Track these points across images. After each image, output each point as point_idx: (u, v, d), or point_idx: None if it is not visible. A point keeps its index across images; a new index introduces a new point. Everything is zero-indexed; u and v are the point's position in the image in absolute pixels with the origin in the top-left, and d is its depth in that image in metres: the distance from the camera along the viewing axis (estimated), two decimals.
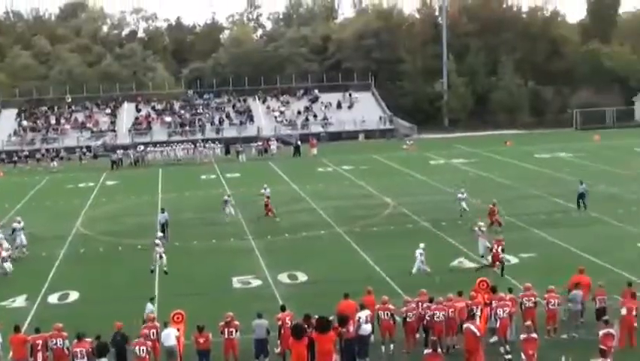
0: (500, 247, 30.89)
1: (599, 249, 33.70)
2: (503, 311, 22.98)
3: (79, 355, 21.33)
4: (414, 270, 31.15)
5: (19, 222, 38.87)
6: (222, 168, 69.24)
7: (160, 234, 37.42)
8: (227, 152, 79.42)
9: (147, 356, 21.42)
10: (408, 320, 23.29)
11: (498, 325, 22.96)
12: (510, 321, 23.17)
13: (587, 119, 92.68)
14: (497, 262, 30.79)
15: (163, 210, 41.02)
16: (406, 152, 76.29)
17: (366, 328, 22.74)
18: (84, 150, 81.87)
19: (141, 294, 30.27)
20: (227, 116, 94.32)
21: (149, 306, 25.27)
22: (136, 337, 22.23)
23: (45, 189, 62.46)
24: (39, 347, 22.01)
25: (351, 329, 22.30)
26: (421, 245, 31.92)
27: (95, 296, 30.94)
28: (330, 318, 22.03)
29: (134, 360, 21.49)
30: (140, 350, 21.33)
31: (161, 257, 33.28)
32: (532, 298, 23.85)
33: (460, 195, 43.23)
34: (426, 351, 20.29)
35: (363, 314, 22.84)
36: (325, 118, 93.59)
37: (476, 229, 34.27)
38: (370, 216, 44.01)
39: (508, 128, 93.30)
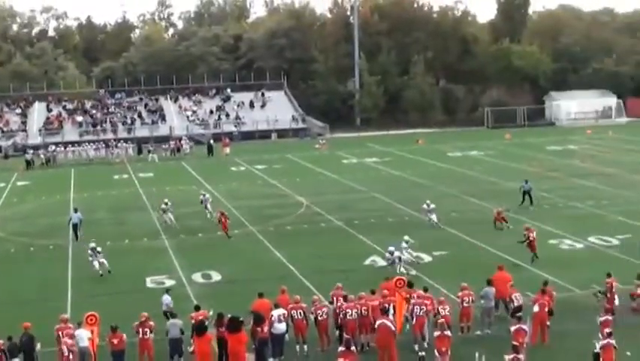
0: (533, 234, 32.34)
1: (513, 247, 33.90)
2: (420, 309, 23.16)
3: None
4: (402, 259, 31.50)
5: None
6: (135, 168, 68.48)
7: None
8: (140, 151, 78.66)
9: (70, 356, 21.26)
10: (319, 318, 23.52)
11: (414, 322, 23.15)
12: (427, 319, 23.36)
13: (499, 117, 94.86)
14: (532, 250, 32.15)
15: (76, 210, 40.52)
16: (318, 151, 76.80)
17: (280, 327, 22.94)
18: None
19: (54, 295, 29.93)
20: (139, 115, 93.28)
21: (167, 297, 25.49)
22: (48, 338, 22.09)
23: None
24: None
25: (266, 328, 22.49)
26: (405, 237, 32.76)
27: (4, 298, 30.34)
28: (241, 318, 22.17)
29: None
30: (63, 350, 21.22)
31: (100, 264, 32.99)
32: (470, 298, 24.25)
33: (425, 206, 40.10)
34: (340, 349, 20.56)
35: (277, 313, 23.03)
36: (238, 117, 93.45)
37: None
38: (284, 215, 44.28)
39: (421, 127, 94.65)
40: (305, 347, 23.37)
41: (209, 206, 43.84)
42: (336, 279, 26.74)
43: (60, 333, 22.13)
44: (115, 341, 21.99)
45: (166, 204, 42.61)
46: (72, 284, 31.91)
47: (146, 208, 48.04)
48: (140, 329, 22.30)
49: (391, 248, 31.28)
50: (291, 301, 23.94)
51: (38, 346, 22.00)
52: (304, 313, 23.47)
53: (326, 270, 31.88)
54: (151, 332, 22.41)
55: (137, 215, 46.16)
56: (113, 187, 57.99)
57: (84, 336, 22.05)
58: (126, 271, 33.48)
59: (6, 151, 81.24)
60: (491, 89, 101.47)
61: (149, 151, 75.89)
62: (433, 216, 39.28)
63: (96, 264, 32.68)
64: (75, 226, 39.32)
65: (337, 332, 23.57)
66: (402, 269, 30.67)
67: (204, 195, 44.49)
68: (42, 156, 75.05)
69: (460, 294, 24.46)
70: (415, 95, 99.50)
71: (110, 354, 22.11)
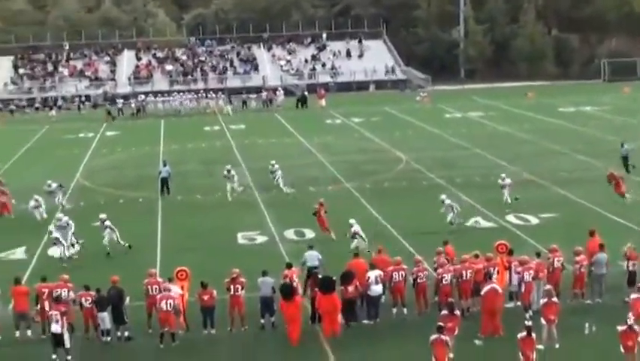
0: None
1: (625, 208, 33.09)
2: (529, 275, 22.73)
3: (84, 302, 22.16)
4: (449, 219, 31.78)
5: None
6: (226, 120, 69.33)
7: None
8: (231, 102, 79.46)
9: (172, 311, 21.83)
10: (419, 281, 23.41)
11: (523, 289, 22.74)
12: (534, 286, 22.91)
13: (617, 70, 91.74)
14: None
15: (165, 163, 41.25)
16: (419, 104, 76.16)
17: (377, 289, 22.95)
18: (83, 99, 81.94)
19: (142, 249, 30.66)
20: (231, 64, 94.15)
21: (311, 253, 25.33)
22: (136, 292, 22.75)
23: (44, 139, 62.83)
24: (45, 296, 22.49)
25: (350, 288, 22.50)
26: (443, 196, 32.65)
27: (96, 249, 31.19)
28: (334, 278, 22.30)
29: (159, 315, 21.88)
30: (166, 304, 21.78)
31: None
32: (560, 260, 23.62)
33: (500, 181, 36.48)
34: (442, 312, 20.46)
35: (373, 274, 23.01)
36: (334, 67, 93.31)
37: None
38: (381, 172, 44.17)
39: (530, 79, 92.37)
40: (404, 310, 23.36)
41: (280, 179, 40.62)
42: (436, 241, 26.53)
43: (149, 288, 22.74)
44: (205, 298, 22.41)
45: (228, 171, 39.65)
46: (162, 238, 32.66)
47: (238, 161, 48.64)
48: (232, 286, 22.63)
49: None
50: (391, 262, 23.87)
51: (127, 300, 22.64)
52: (405, 275, 23.39)
53: (425, 230, 31.71)
54: (242, 288, 22.73)
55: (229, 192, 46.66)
56: (204, 139, 58.91)
57: (174, 291, 22.52)
58: (217, 226, 34.04)
59: (95, 100, 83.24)
60: (610, 39, 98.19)
61: (243, 102, 76.89)
62: (505, 192, 35.47)
63: (106, 238, 30.95)
64: (164, 180, 40.09)
65: (436, 297, 23.44)
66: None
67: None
68: (132, 105, 76.72)
69: (577, 259, 23.61)
70: (524, 45, 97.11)
71: (200, 310, 22.57)
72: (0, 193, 37.11)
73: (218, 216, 35.83)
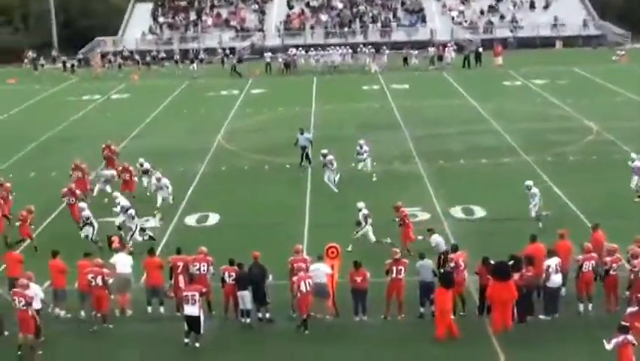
0: None
1: None
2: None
3: (227, 278, 22.78)
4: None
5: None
6: (387, 78, 69.28)
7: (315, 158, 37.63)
8: (376, 57, 78.54)
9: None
10: (611, 273, 22.68)
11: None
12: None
13: None
14: None
15: (302, 131, 41.19)
16: (615, 65, 73.82)
17: (556, 279, 22.47)
18: (227, 51, 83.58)
19: (289, 222, 31.10)
20: (395, 15, 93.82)
21: (436, 237, 25.62)
22: (280, 269, 23.18)
23: (183, 96, 64.72)
24: (179, 270, 23.22)
25: (516, 277, 22.01)
26: (528, 182, 30.73)
27: (237, 220, 32.08)
28: (510, 263, 22.01)
29: (297, 297, 22.23)
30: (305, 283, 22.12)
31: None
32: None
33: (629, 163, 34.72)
34: (629, 310, 19.85)
35: (553, 262, 22.52)
36: (514, 20, 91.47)
37: None
38: (567, 143, 43.15)
39: None
40: (590, 305, 22.78)
41: (367, 162, 38.48)
42: (629, 226, 25.71)
43: (295, 265, 23.04)
44: (358, 279, 22.52)
45: (324, 156, 36.60)
46: (310, 211, 33.02)
47: (399, 126, 48.59)
48: (394, 268, 22.61)
49: None
50: (573, 248, 23.25)
51: (270, 278, 23.04)
52: (596, 264, 22.77)
53: (617, 213, 30.83)
54: (405, 271, 22.69)
55: (388, 134, 46.77)
56: (361, 99, 59.15)
57: (323, 271, 22.76)
58: (373, 199, 33.97)
59: (240, 54, 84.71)
60: None
61: (405, 58, 76.49)
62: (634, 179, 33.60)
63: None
64: (304, 149, 40.30)
65: (627, 292, 22.72)
66: None
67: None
68: (280, 60, 77.74)
69: None
70: None
71: (351, 293, 22.73)
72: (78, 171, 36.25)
73: (375, 188, 35.86)
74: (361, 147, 38.23)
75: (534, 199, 30.26)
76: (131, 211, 29.38)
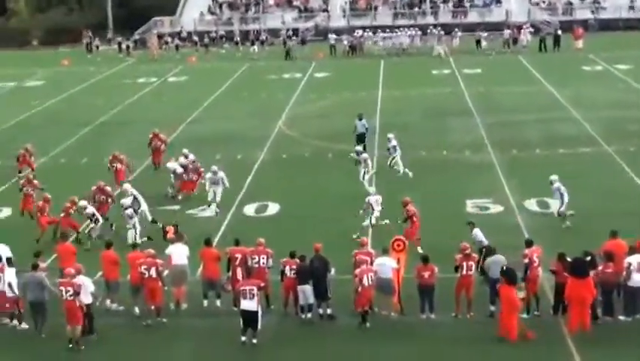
0: None
1: None
2: None
3: (288, 271, 22.72)
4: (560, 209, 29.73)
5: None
6: (459, 62, 68.86)
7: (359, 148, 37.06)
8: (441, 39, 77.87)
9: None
10: None
11: None
12: None
13: None
14: None
15: (361, 117, 40.93)
16: None
17: (637, 278, 22.05)
18: (290, 33, 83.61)
19: (352, 211, 31.02)
20: None
21: (477, 232, 25.41)
22: (343, 263, 23.11)
23: (243, 79, 65.03)
24: (237, 262, 23.24)
25: (592, 273, 21.71)
26: (553, 177, 30.00)
27: (298, 210, 32.13)
28: (588, 259, 21.74)
29: (359, 291, 22.08)
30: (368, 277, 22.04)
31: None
32: None
33: None
34: None
35: (635, 260, 22.11)
36: (596, 1, 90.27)
37: None
38: None
39: None
40: None
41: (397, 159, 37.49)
42: None
43: (357, 258, 22.91)
44: (425, 275, 22.34)
45: (358, 153, 35.99)
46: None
47: (471, 113, 48.28)
48: (464, 263, 22.42)
49: None
50: None
51: (332, 271, 22.97)
52: None
53: None
54: (475, 266, 22.45)
55: (459, 121, 46.55)
56: (431, 85, 58.95)
57: (388, 265, 22.64)
58: (441, 190, 34.01)
59: (303, 36, 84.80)
60: None
61: (478, 41, 75.82)
62: None
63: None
64: (361, 137, 40.01)
65: None
66: None
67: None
68: (345, 42, 77.60)
69: None
70: None
71: (417, 289, 22.59)
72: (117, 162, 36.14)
73: (444, 178, 35.80)
74: (390, 142, 37.15)
75: (556, 195, 29.76)
76: (129, 211, 29.28)
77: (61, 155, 41.74)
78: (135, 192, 30.23)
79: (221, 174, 32.64)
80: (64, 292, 21.34)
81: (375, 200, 29.82)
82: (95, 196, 30.92)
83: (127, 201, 29.83)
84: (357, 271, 22.27)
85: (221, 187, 32.56)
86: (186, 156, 35.17)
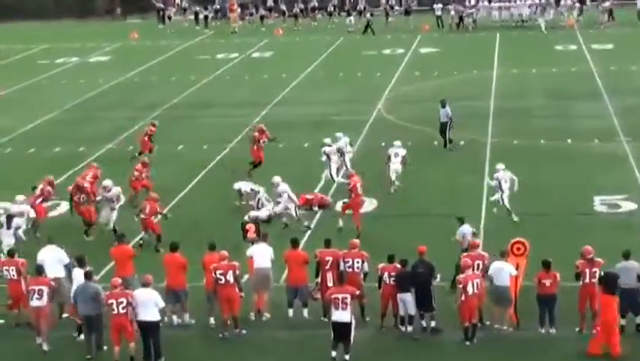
0: None
1: None
2: None
3: (387, 278, 22.63)
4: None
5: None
6: (587, 36, 67.97)
7: None
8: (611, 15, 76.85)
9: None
10: None
11: None
12: None
13: None
14: None
15: (444, 104, 40.05)
16: None
17: None
18: (392, 2, 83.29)
19: (461, 208, 30.89)
20: None
21: (465, 228, 25.52)
22: (448, 267, 23.04)
23: (338, 55, 65.17)
24: (328, 266, 23.18)
25: None
26: (499, 166, 30.66)
27: (398, 207, 32.15)
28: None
29: (461, 300, 21.96)
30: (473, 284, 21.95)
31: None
32: None
33: None
34: None
35: None
36: None
37: None
38: None
39: None
40: None
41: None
42: None
43: (463, 262, 22.67)
44: (546, 283, 22.04)
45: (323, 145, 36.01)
46: (488, 198, 32.62)
47: (600, 95, 47.68)
48: (587, 270, 21.98)
49: None
50: None
51: (438, 278, 22.89)
52: None
53: None
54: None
55: (586, 105, 46.06)
56: (554, 62, 58.39)
57: (507, 271, 22.43)
58: (566, 184, 33.76)
59: (407, 4, 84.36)
60: None
61: (605, 11, 74.74)
62: None
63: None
64: (444, 126, 39.53)
65: None
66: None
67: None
68: (452, 12, 76.96)
69: None
70: None
71: (536, 299, 22.32)
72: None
73: (569, 171, 35.52)
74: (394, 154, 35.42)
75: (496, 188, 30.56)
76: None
77: (129, 141, 42.10)
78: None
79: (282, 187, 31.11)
80: (114, 306, 21.17)
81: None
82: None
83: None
84: (461, 277, 22.14)
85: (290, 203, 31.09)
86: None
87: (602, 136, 40.04)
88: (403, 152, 34.55)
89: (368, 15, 77.14)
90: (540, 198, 31.97)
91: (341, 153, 34.91)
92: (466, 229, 25.30)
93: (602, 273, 21.68)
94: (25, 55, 71.37)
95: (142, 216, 29.03)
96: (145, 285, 21.54)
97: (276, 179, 30.78)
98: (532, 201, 31.62)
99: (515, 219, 29.56)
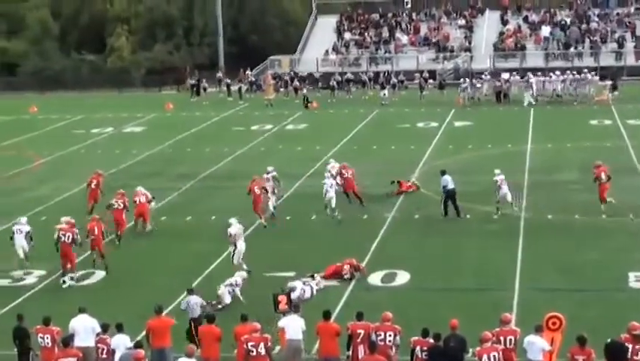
0: None
1: None
2: None
3: (420, 353, 22.41)
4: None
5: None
6: (622, 111, 67.85)
7: None
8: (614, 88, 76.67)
9: None
10: None
11: None
12: None
13: None
14: None
15: (444, 173, 40.48)
16: None
17: None
18: (426, 75, 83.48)
19: (495, 283, 30.80)
20: (633, 34, 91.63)
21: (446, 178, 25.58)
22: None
23: (372, 128, 65.29)
24: (360, 339, 22.97)
25: None
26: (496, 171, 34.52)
27: (431, 280, 31.96)
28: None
29: None
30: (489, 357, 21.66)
31: None
32: None
33: None
34: None
35: None
36: None
37: None
38: None
39: None
40: None
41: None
42: None
43: (501, 338, 22.56)
44: (580, 360, 21.74)
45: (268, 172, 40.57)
46: (521, 271, 32.50)
47: (636, 170, 47.59)
48: (632, 347, 21.76)
49: None
50: None
51: (470, 352, 22.62)
52: None
53: None
54: None
55: (622, 179, 45.67)
56: (589, 137, 58.24)
57: (539, 346, 22.27)
58: (598, 260, 33.56)
59: (442, 79, 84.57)
60: None
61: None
62: None
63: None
64: (450, 197, 39.62)
65: None
66: None
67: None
68: (479, 85, 76.81)
69: None
70: None
71: None
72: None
73: (601, 246, 35.27)
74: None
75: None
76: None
77: (162, 212, 42.27)
78: None
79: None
80: None
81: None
82: None
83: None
84: (477, 349, 21.98)
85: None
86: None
87: (637, 211, 39.82)
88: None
89: (426, 88, 78.43)
90: (574, 274, 31.80)
91: None
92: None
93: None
94: (61, 124, 72.15)
95: (92, 237, 32.69)
96: (188, 355, 21.59)
97: None
98: (566, 276, 31.53)
99: (515, 208, 30.97)
